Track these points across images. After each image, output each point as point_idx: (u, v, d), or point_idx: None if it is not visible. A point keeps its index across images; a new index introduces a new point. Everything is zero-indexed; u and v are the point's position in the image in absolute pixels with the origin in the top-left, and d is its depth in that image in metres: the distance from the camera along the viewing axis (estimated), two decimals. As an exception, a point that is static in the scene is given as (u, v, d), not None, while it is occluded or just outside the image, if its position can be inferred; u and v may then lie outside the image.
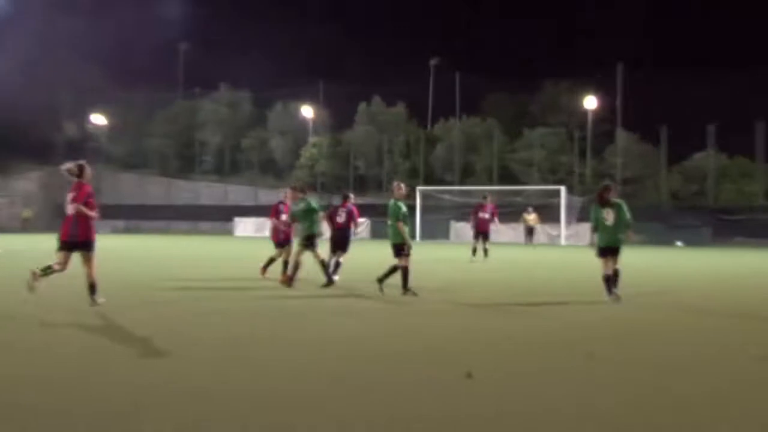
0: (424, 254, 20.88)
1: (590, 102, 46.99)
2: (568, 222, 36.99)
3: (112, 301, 9.38)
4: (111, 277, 12.34)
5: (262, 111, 57.88)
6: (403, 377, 5.32)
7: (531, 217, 35.53)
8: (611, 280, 10.81)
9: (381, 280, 11.30)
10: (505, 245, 32.27)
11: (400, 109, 54.19)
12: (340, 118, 55.14)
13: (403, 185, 11.53)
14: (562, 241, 35.67)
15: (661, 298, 11.47)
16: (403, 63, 62.61)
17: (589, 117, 46.85)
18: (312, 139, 52.70)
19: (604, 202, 10.87)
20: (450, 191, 42.49)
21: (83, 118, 56.27)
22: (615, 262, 10.86)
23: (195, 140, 57.20)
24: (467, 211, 38.66)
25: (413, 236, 35.93)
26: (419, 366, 5.77)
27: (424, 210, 38.43)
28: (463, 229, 39.51)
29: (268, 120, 57.26)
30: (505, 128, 49.61)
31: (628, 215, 10.87)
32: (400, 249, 11.17)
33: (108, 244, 24.22)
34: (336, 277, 12.78)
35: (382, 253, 13.76)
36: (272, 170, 56.13)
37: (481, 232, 20.40)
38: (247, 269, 15.36)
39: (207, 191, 55.47)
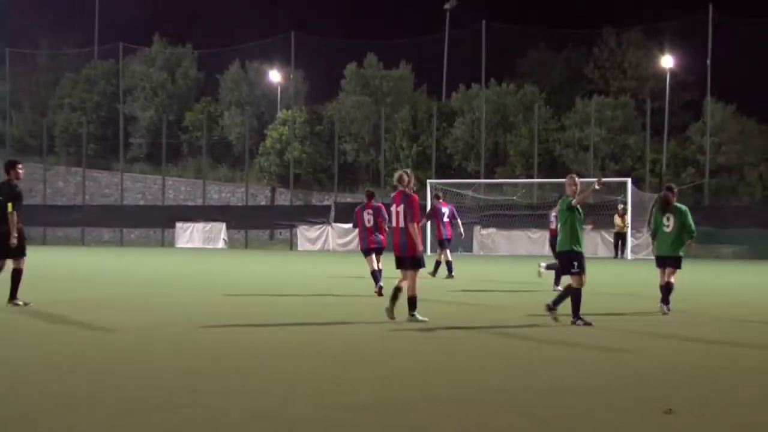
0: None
1: (668, 61, 47.94)
2: (637, 228, 37.25)
3: None
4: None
5: (211, 75, 59.35)
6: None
7: (621, 221, 36.71)
8: (665, 291, 13.48)
9: (552, 307, 12.16)
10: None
11: (404, 72, 55.47)
12: (320, 84, 57.11)
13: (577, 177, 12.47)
14: (628, 254, 36.45)
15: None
16: (407, 8, 63.64)
17: (667, 81, 47.58)
18: (282, 114, 53.81)
19: (666, 208, 13.45)
20: (473, 185, 43.11)
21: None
22: (670, 274, 13.46)
23: (118, 116, 57.32)
24: (491, 214, 39.53)
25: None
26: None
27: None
28: (492, 237, 41.08)
29: (220, 88, 58.65)
30: (549, 98, 51.02)
31: (692, 222, 13.48)
32: (570, 262, 12.02)
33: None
34: (558, 287, 16.20)
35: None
36: (227, 157, 57.23)
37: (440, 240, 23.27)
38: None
39: (136, 186, 56.76)
